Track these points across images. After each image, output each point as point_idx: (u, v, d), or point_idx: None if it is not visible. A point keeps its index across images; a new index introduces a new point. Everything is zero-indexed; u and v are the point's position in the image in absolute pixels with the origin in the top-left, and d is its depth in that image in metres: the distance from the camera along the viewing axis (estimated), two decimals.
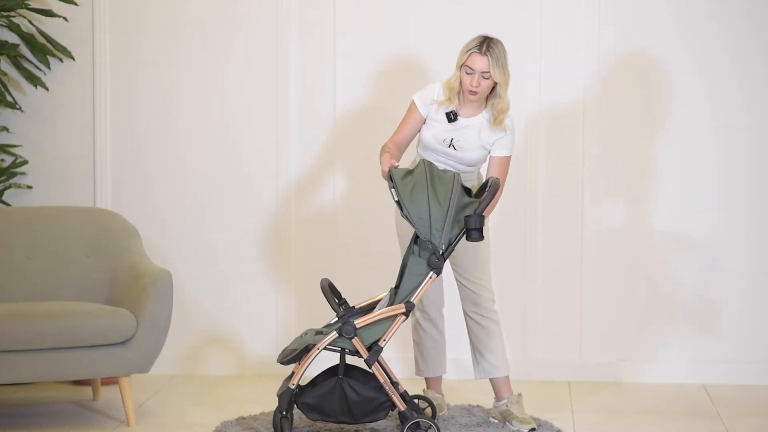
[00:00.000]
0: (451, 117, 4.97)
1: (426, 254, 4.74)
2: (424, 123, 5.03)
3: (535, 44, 5.94)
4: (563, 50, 5.93)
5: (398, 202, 4.73)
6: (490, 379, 5.15)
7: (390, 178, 4.76)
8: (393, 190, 4.73)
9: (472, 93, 4.90)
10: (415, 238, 4.82)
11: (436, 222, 4.70)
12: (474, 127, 4.98)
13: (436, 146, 5.00)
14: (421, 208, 4.71)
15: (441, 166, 4.97)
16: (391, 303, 4.82)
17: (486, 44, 4.87)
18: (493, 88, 4.93)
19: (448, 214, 4.71)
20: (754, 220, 5.92)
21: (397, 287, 4.84)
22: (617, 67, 5.92)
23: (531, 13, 5.93)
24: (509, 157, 5.04)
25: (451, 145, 4.98)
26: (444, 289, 5.19)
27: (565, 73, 5.94)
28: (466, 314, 5.16)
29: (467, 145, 4.98)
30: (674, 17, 5.89)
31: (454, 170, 4.90)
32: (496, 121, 4.96)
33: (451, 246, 4.75)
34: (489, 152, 5.02)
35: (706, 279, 5.94)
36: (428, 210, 4.70)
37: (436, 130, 5.00)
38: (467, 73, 4.90)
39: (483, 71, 4.86)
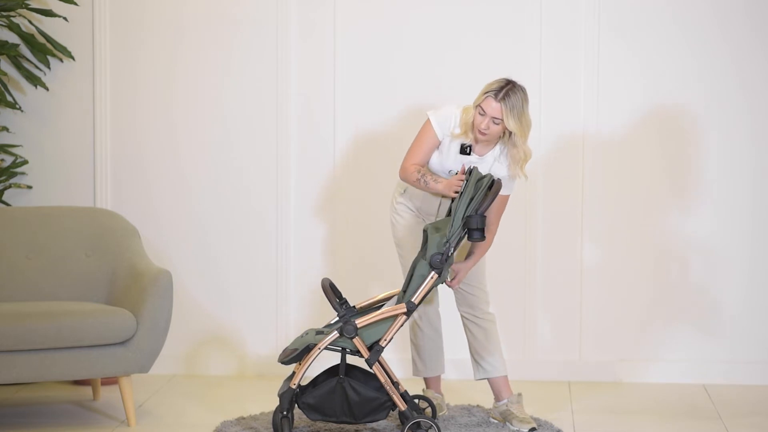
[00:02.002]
0: (467, 151, 4.95)
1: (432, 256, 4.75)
2: (438, 145, 5.02)
3: (535, 49, 5.94)
4: (563, 57, 5.93)
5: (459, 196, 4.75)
6: (488, 379, 5.15)
7: (469, 172, 4.78)
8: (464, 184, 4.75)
9: (482, 134, 4.87)
10: (424, 242, 4.82)
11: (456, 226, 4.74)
12: (486, 162, 4.97)
13: (439, 172, 5.01)
14: (459, 213, 4.73)
15: None
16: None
17: (505, 90, 4.81)
18: (511, 134, 4.88)
19: (456, 217, 4.72)
20: (754, 221, 5.93)
21: (404, 291, 4.85)
22: (617, 66, 5.92)
23: (531, 16, 5.93)
24: (508, 195, 5.02)
25: (450, 172, 5.01)
26: (437, 289, 5.19)
27: (565, 78, 5.94)
28: (462, 316, 5.17)
29: None
30: (675, 19, 5.90)
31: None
32: (512, 169, 4.93)
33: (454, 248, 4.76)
34: None
35: (705, 279, 5.94)
36: (462, 216, 4.73)
37: (447, 159, 4.99)
38: (480, 114, 4.86)
39: (494, 117, 4.82)
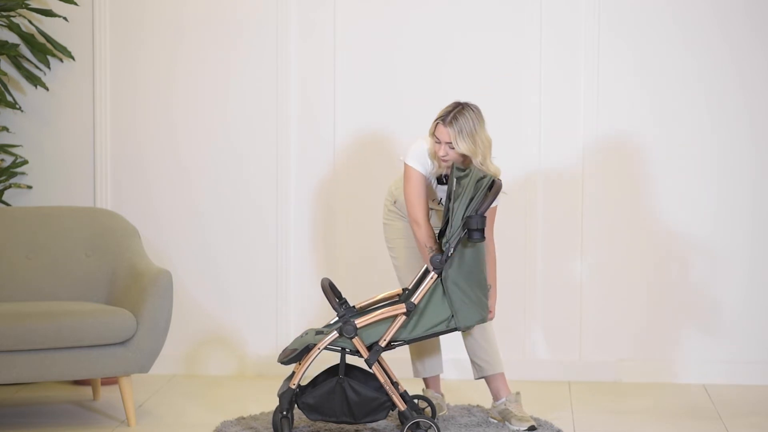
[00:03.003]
0: (443, 181, 4.97)
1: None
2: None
3: (535, 49, 5.94)
4: (563, 57, 5.93)
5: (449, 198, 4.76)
6: (486, 378, 5.15)
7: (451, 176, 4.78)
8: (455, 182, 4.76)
9: (443, 160, 4.88)
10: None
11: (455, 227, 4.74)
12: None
13: (429, 202, 5.04)
14: (458, 214, 4.73)
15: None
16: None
17: (452, 114, 4.82)
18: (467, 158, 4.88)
19: (455, 217, 4.72)
20: (754, 220, 5.93)
21: (411, 292, 4.85)
22: (617, 66, 5.92)
23: (531, 16, 5.93)
24: (495, 207, 5.00)
25: (440, 203, 5.03)
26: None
27: (565, 78, 5.94)
28: None
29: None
30: (675, 20, 5.90)
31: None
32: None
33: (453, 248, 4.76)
34: None
35: (706, 279, 5.94)
36: (461, 216, 4.73)
37: (431, 190, 5.02)
38: (436, 142, 4.88)
39: (447, 142, 4.83)
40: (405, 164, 4.97)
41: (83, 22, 6.04)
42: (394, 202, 5.14)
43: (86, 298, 5.41)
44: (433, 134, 4.88)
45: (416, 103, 5.91)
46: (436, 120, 4.86)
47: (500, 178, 4.85)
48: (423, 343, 5.19)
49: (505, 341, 5.61)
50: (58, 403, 5.56)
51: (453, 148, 4.83)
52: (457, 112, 4.82)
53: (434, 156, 4.91)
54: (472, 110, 4.85)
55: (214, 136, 6.08)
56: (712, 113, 5.91)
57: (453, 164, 4.83)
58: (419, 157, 4.95)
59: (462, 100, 4.90)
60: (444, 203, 4.88)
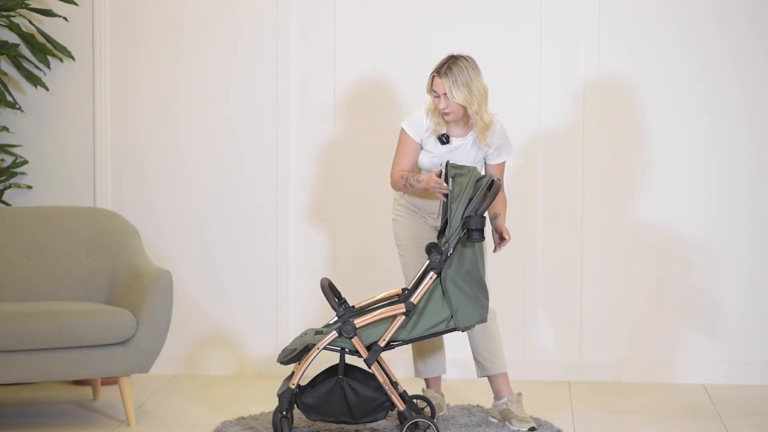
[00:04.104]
0: (444, 140, 5.00)
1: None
2: (421, 149, 5.05)
3: (535, 49, 5.94)
4: (563, 57, 5.93)
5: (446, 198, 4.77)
6: (489, 378, 5.15)
7: (445, 174, 4.80)
8: (450, 182, 4.77)
9: (446, 115, 4.94)
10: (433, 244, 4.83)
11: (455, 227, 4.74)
12: (466, 146, 5.02)
13: (434, 167, 5.03)
14: (457, 214, 4.73)
15: None
16: None
17: (446, 65, 4.90)
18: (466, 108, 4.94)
19: (454, 217, 4.72)
20: (754, 220, 5.92)
21: (411, 292, 4.85)
22: (617, 66, 5.92)
23: (531, 16, 5.93)
24: (505, 162, 5.08)
25: (441, 167, 5.00)
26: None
27: (565, 78, 5.94)
28: None
29: (466, 162, 5.01)
30: (675, 20, 5.90)
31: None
32: (481, 139, 4.99)
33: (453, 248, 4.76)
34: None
35: (706, 279, 5.94)
36: (461, 216, 4.73)
37: (433, 155, 5.03)
38: (435, 97, 4.94)
39: (444, 93, 4.90)
40: (401, 128, 5.05)
41: (83, 22, 6.04)
42: (402, 195, 5.14)
43: (86, 298, 5.41)
44: (430, 89, 4.93)
45: (416, 104, 5.89)
46: (432, 73, 4.93)
47: (497, 121, 4.96)
48: (425, 342, 5.19)
49: (505, 341, 5.59)
50: (58, 403, 5.56)
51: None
52: (451, 63, 4.91)
53: (434, 113, 4.96)
54: (466, 60, 4.93)
55: (214, 136, 6.08)
56: (712, 113, 5.91)
57: (447, 163, 4.84)
58: (415, 123, 5.02)
59: (455, 52, 4.95)
60: (444, 167, 4.90)
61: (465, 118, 4.98)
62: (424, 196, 5.06)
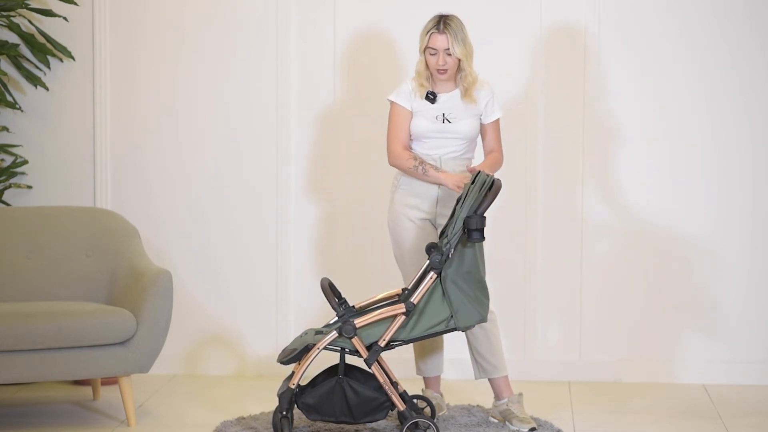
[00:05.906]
0: (431, 97, 5.08)
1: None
2: (411, 117, 5.07)
3: (535, 49, 5.94)
4: (563, 56, 5.93)
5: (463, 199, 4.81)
6: (489, 379, 5.15)
7: (473, 180, 4.84)
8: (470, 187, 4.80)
9: (441, 72, 5.04)
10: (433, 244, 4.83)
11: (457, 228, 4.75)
12: (456, 97, 5.10)
13: (431, 128, 5.06)
14: (461, 216, 4.74)
15: (438, 151, 5.06)
16: None
17: (443, 22, 5.01)
18: (460, 62, 5.04)
19: (458, 219, 4.73)
20: (754, 220, 5.93)
21: (411, 292, 4.85)
22: (617, 66, 5.92)
23: (531, 16, 5.93)
24: (499, 119, 5.15)
25: (444, 119, 5.06)
26: None
27: (565, 78, 5.94)
28: None
29: (459, 114, 5.07)
30: (675, 20, 5.90)
31: (455, 154, 5.04)
32: (467, 93, 5.08)
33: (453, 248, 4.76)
34: (480, 120, 5.12)
35: (706, 279, 5.94)
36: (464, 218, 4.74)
37: (426, 115, 5.08)
38: (431, 54, 5.02)
39: (445, 49, 4.99)
40: (390, 103, 5.12)
41: (83, 22, 6.04)
42: (401, 185, 5.12)
43: (86, 298, 5.41)
44: (426, 47, 5.02)
45: None
46: (429, 31, 5.01)
47: (485, 80, 5.11)
48: (427, 342, 5.19)
49: (505, 341, 5.61)
50: (58, 403, 5.56)
51: (450, 55, 5.00)
52: (447, 20, 5.02)
53: (426, 75, 5.05)
54: (457, 17, 5.06)
55: (214, 136, 6.08)
56: (712, 113, 5.91)
57: (479, 172, 4.84)
58: (402, 92, 5.11)
59: (443, 12, 5.07)
60: (449, 119, 5.01)
61: (451, 76, 5.07)
62: (423, 183, 5.07)
